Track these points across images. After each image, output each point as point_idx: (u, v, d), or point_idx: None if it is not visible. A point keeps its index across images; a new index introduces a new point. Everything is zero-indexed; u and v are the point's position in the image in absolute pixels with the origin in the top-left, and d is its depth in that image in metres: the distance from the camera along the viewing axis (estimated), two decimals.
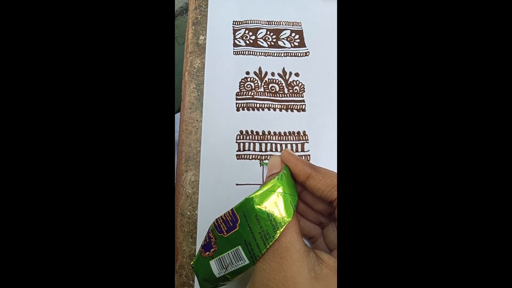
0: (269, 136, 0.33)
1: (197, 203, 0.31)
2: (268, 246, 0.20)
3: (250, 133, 0.33)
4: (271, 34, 0.39)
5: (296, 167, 0.24)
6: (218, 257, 0.22)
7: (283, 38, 0.39)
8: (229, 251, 0.21)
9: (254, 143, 0.33)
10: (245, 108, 0.34)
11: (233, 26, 0.39)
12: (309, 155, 0.33)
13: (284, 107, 0.35)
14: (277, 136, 0.33)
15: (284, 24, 0.39)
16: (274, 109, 0.35)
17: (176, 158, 0.33)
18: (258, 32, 0.39)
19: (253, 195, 0.21)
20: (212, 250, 0.22)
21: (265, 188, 0.21)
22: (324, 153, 0.33)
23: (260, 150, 0.33)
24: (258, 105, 0.35)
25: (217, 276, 0.22)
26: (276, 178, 0.22)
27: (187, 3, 0.42)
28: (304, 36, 0.39)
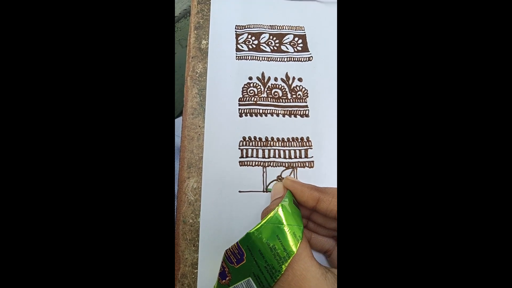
0: (272, 142, 0.33)
1: (200, 210, 0.30)
2: (276, 280, 0.20)
3: (253, 139, 0.33)
4: (274, 38, 0.38)
5: (303, 194, 0.23)
6: (234, 286, 0.22)
7: (286, 43, 0.38)
8: (242, 281, 0.21)
9: (257, 150, 0.32)
10: (248, 114, 0.34)
11: (235, 31, 0.39)
12: (312, 161, 0.32)
13: (288, 113, 0.34)
14: (280, 142, 0.33)
15: (287, 28, 0.39)
16: (278, 115, 0.34)
17: (178, 164, 0.33)
18: (261, 37, 0.38)
19: (254, 230, 0.21)
20: (227, 278, 0.22)
21: (265, 221, 0.21)
22: (327, 159, 0.33)
23: (264, 157, 0.32)
24: (261, 111, 0.34)
25: None
26: (276, 209, 0.21)
27: (190, 6, 0.42)
28: (307, 40, 0.38)
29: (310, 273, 0.19)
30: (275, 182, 0.31)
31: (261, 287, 0.21)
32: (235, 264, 0.22)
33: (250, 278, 0.21)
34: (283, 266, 0.20)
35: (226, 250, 0.23)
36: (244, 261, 0.21)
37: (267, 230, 0.21)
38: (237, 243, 0.22)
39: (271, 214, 0.21)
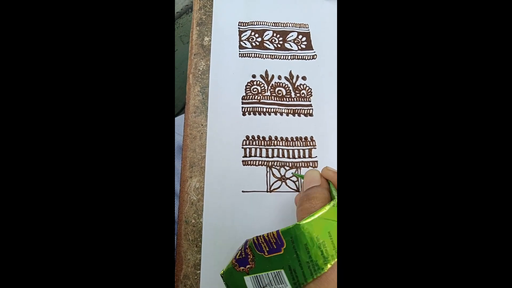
0: (276, 142, 0.32)
1: (202, 210, 0.30)
2: (315, 277, 0.19)
3: (256, 138, 0.32)
4: (278, 36, 0.38)
5: None
6: (255, 275, 0.21)
7: (290, 40, 0.38)
8: (270, 272, 0.20)
9: (260, 149, 0.32)
10: (251, 113, 0.33)
11: (238, 28, 0.38)
12: (316, 161, 0.32)
13: (291, 112, 0.34)
14: (284, 142, 0.33)
15: (291, 25, 0.38)
16: (281, 114, 0.34)
17: (180, 163, 0.32)
18: (265, 34, 0.38)
19: (304, 222, 0.20)
20: (248, 266, 0.21)
21: (318, 215, 0.20)
22: (332, 159, 0.32)
23: (267, 156, 0.32)
24: (264, 110, 0.34)
25: None
26: (331, 204, 0.20)
27: (192, 2, 0.41)
28: (311, 38, 0.38)
29: None
30: (310, 169, 0.30)
31: (294, 281, 0.19)
32: (266, 253, 0.20)
33: (282, 270, 0.20)
34: (328, 264, 0.19)
35: (256, 237, 0.21)
36: (281, 252, 0.20)
37: (319, 225, 0.19)
38: (278, 231, 0.20)
39: (326, 207, 0.20)
